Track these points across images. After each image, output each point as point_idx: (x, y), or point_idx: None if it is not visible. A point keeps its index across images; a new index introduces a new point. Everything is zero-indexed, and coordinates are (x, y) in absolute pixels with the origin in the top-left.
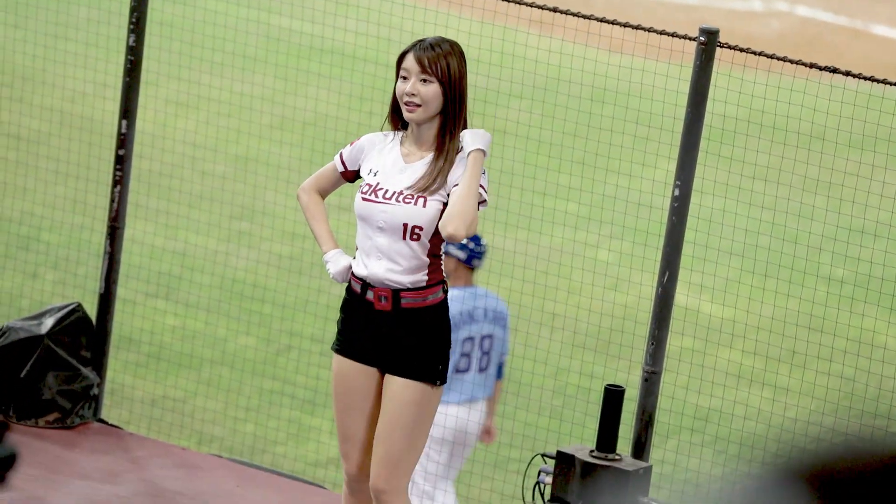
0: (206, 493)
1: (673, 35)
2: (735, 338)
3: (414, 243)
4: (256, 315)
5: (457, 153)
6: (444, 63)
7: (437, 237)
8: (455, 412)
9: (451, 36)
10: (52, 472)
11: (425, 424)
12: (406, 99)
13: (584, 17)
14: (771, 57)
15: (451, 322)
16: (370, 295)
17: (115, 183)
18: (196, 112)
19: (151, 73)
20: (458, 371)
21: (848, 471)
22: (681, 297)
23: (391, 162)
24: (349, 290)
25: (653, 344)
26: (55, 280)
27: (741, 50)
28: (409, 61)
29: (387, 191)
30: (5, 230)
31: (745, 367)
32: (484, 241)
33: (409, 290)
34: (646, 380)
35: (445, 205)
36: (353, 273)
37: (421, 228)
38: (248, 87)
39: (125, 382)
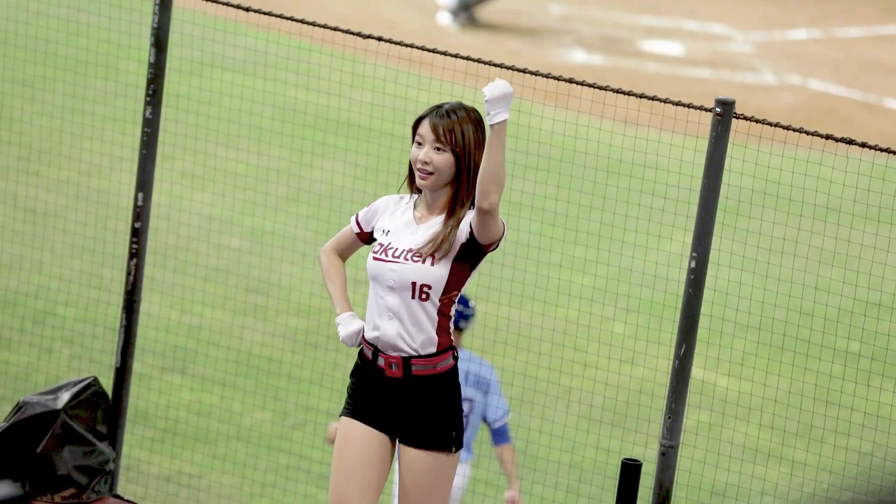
0: None
1: (689, 106)
2: (751, 412)
3: (424, 303)
4: (271, 389)
5: (466, 214)
6: (458, 132)
7: (446, 297)
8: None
9: None
10: None
11: (444, 491)
12: (419, 166)
13: (600, 88)
14: (787, 128)
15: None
16: (381, 361)
17: (132, 256)
18: (211, 185)
19: (167, 146)
20: None
21: None
22: (695, 370)
23: (404, 223)
24: (361, 355)
25: (669, 418)
26: (71, 355)
27: (757, 121)
28: (425, 128)
29: (396, 249)
30: (21, 305)
31: (760, 441)
32: (472, 303)
33: (420, 356)
34: (663, 454)
35: (455, 264)
36: (364, 338)
37: (430, 287)
38: (262, 160)
39: (140, 457)
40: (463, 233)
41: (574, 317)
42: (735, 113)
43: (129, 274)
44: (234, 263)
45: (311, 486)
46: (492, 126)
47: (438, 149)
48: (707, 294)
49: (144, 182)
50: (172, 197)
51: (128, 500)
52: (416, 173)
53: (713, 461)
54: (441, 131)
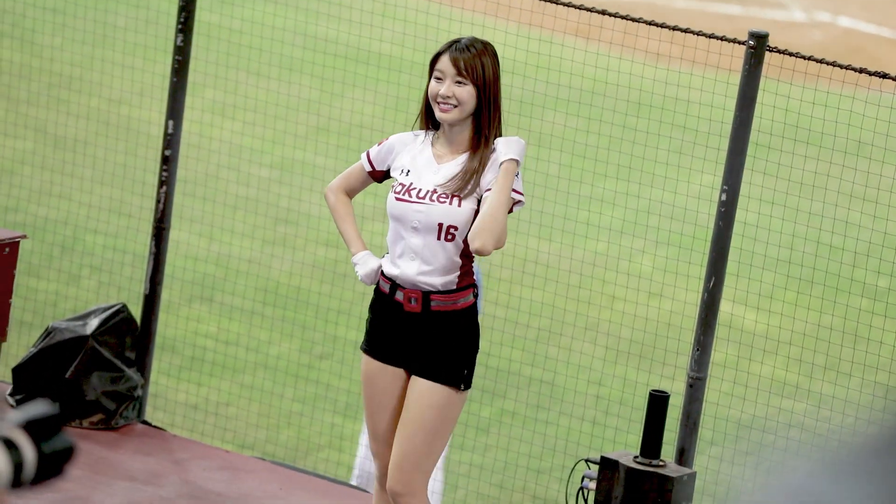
0: (249, 496)
1: (722, 39)
2: (779, 345)
3: (448, 244)
4: (298, 319)
5: (490, 154)
6: (479, 65)
7: None
8: None
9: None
10: (95, 473)
11: (446, 428)
12: (440, 100)
13: (632, 19)
14: (820, 62)
15: None
16: (399, 296)
17: (161, 184)
18: (241, 114)
19: (197, 75)
20: None
21: None
22: (723, 304)
23: (423, 162)
24: (377, 290)
25: (698, 350)
26: (99, 282)
27: (790, 54)
28: (444, 63)
29: (420, 190)
30: (50, 231)
31: (788, 375)
32: None
33: (439, 292)
34: (691, 385)
35: (480, 204)
36: (382, 273)
37: (456, 228)
38: (292, 90)
39: (168, 385)
40: (486, 182)
41: (602, 250)
42: (768, 46)
43: (158, 202)
44: (263, 193)
45: (338, 415)
46: (500, 164)
47: (459, 82)
48: (735, 228)
49: (175, 110)
50: (203, 125)
51: (155, 427)
52: (437, 108)
53: (740, 394)
54: (462, 65)
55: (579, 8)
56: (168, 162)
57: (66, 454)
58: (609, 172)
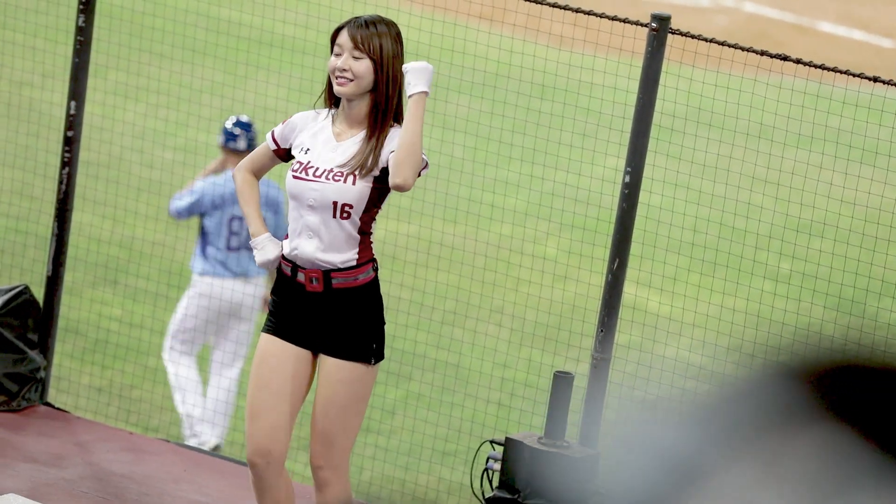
0: (154, 478)
1: (625, 21)
2: (683, 327)
3: (344, 221)
4: None
5: (389, 131)
6: (376, 42)
7: (367, 215)
8: (231, 285)
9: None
10: None
11: (361, 403)
12: (337, 74)
13: (537, 2)
14: (722, 44)
15: (217, 201)
16: (301, 277)
17: (64, 165)
18: (144, 97)
19: (100, 56)
20: (229, 249)
21: (853, 370)
22: (628, 287)
23: (323, 140)
24: (279, 273)
25: (602, 331)
26: (0, 266)
27: (692, 37)
28: (343, 37)
29: (317, 168)
30: None
31: (692, 357)
32: (253, 126)
33: (339, 269)
34: (595, 367)
35: (375, 182)
36: (283, 256)
37: (351, 206)
38: (193, 80)
39: (72, 368)
40: (384, 157)
41: (508, 233)
42: (671, 28)
43: (60, 183)
44: (168, 175)
45: (242, 397)
46: (410, 97)
47: (356, 57)
48: (639, 210)
49: (77, 91)
50: (106, 107)
51: (58, 409)
52: (334, 81)
53: (644, 375)
54: (360, 39)
55: None
56: (70, 143)
57: None
58: (515, 156)
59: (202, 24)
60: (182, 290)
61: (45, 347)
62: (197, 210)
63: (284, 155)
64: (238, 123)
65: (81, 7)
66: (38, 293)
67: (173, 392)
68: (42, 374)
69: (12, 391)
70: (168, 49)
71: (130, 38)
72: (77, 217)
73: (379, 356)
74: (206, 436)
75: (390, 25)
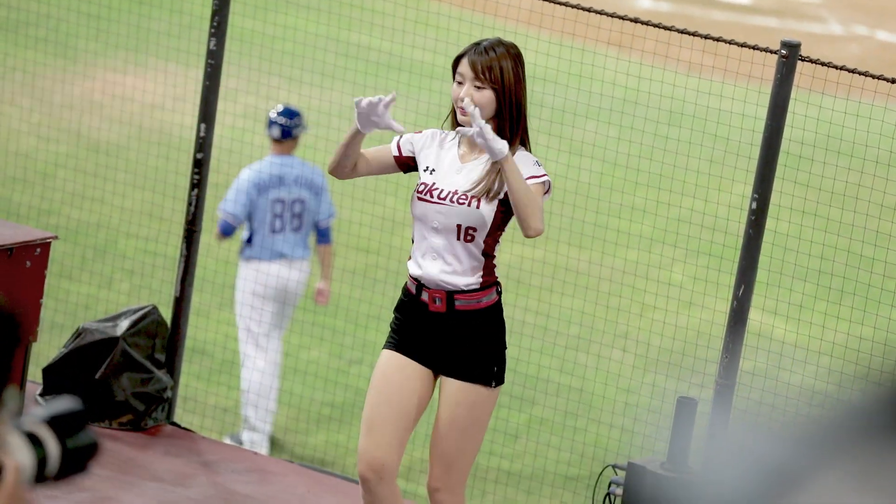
0: (278, 498)
1: (754, 48)
2: (808, 353)
3: (468, 244)
4: (328, 329)
5: (516, 152)
6: (497, 68)
7: (490, 238)
8: (276, 270)
9: (527, 56)
10: (123, 474)
11: (480, 426)
12: (459, 105)
13: (665, 28)
14: (852, 72)
15: (261, 184)
16: (425, 296)
17: (193, 186)
18: None
19: (230, 79)
20: (272, 231)
21: None
22: (754, 314)
23: (448, 162)
24: (405, 290)
25: (727, 357)
26: (131, 286)
27: (822, 64)
28: (464, 66)
29: (442, 191)
30: (83, 234)
31: (818, 384)
32: (299, 114)
33: (462, 292)
34: (719, 393)
35: (499, 206)
36: (409, 273)
37: (475, 230)
38: (322, 103)
39: (199, 388)
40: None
41: (634, 259)
42: (800, 55)
43: (189, 204)
44: None
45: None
46: (500, 159)
47: (478, 87)
48: (767, 237)
49: (207, 113)
50: (235, 130)
51: (184, 428)
52: (458, 110)
53: (770, 401)
54: (480, 68)
55: (615, 16)
56: (200, 165)
57: (90, 450)
58: (642, 181)
59: (332, 49)
60: (308, 311)
61: (173, 367)
62: (250, 204)
63: (401, 162)
64: (282, 112)
65: (213, 31)
66: (167, 313)
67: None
68: (169, 393)
69: (139, 410)
70: (298, 73)
71: (261, 62)
72: (205, 238)
73: (500, 380)
74: (253, 420)
75: (510, 48)
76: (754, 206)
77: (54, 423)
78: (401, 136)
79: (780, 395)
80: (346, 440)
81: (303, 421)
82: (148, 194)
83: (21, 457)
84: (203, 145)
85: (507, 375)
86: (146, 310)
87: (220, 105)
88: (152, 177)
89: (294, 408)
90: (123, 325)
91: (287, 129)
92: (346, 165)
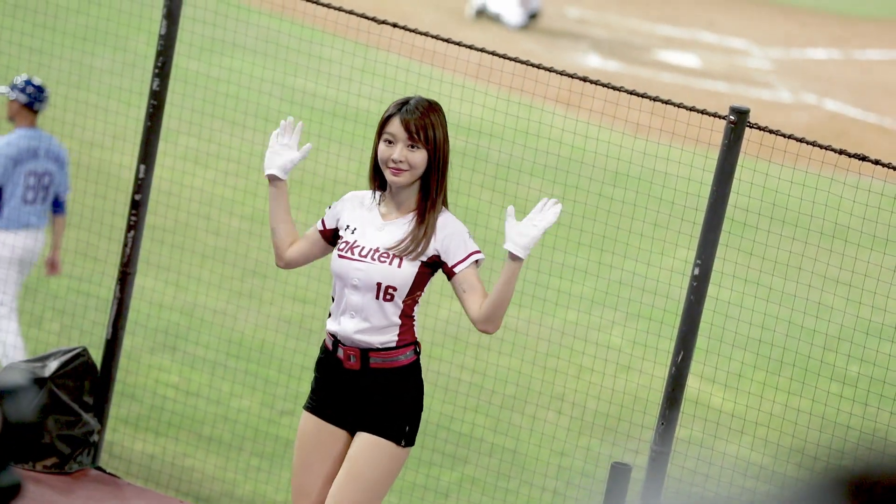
0: None
1: (703, 112)
2: (745, 424)
3: (387, 304)
4: (262, 374)
5: (438, 217)
6: (431, 131)
7: (409, 298)
8: (22, 240)
9: (473, 110)
10: None
11: (384, 484)
12: (391, 165)
13: (614, 88)
14: (800, 141)
15: (17, 158)
16: (340, 353)
17: (129, 228)
18: (215, 163)
19: (172, 121)
20: (24, 202)
21: (889, 481)
22: (692, 381)
23: (370, 219)
24: (323, 347)
25: (662, 424)
26: (61, 326)
27: (770, 132)
28: (395, 126)
29: (363, 248)
30: None
31: (753, 455)
32: (47, 89)
33: (378, 350)
34: (654, 459)
35: (421, 267)
36: (327, 330)
37: (395, 289)
38: (264, 148)
39: (126, 433)
40: (433, 247)
41: (574, 319)
42: (749, 122)
43: (125, 246)
44: (234, 244)
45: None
46: (511, 257)
47: (412, 146)
48: (708, 304)
49: (147, 154)
50: (175, 172)
51: (110, 474)
52: (387, 171)
53: (704, 471)
54: (414, 128)
55: (563, 74)
56: (138, 207)
57: (13, 491)
58: (585, 241)
59: (276, 94)
60: (241, 359)
61: (101, 411)
62: (4, 175)
63: (330, 237)
64: (30, 83)
65: (157, 71)
66: (97, 355)
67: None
68: (95, 437)
69: (65, 453)
70: (241, 116)
71: (204, 104)
72: (140, 281)
73: (410, 440)
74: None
75: (439, 110)
76: (697, 272)
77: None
78: (327, 210)
79: (715, 464)
80: (274, 491)
81: (230, 471)
82: (83, 233)
83: None
84: (142, 186)
85: (439, 432)
86: (76, 351)
87: (161, 146)
88: (88, 216)
89: (222, 456)
90: (52, 366)
91: (38, 101)
92: (282, 242)
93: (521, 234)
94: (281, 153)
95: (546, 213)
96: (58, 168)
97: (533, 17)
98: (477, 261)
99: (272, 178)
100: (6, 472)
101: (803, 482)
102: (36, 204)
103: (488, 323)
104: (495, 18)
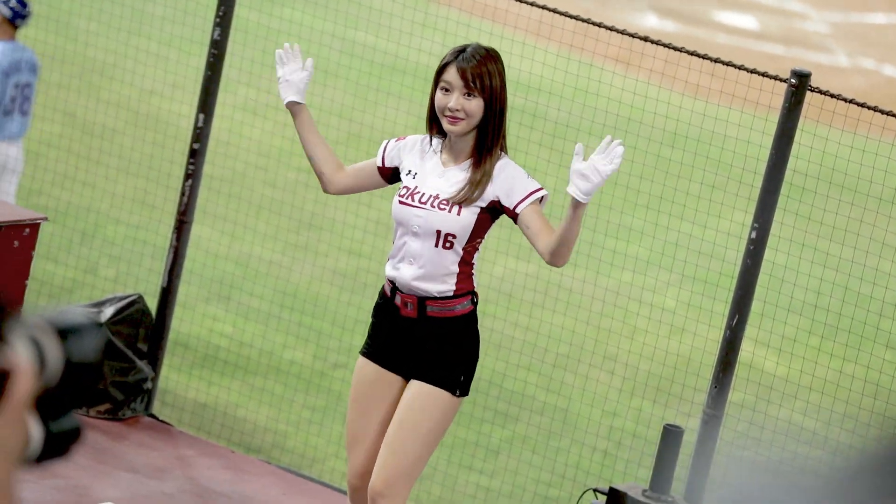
0: (252, 499)
1: (764, 75)
2: (799, 389)
3: (446, 251)
4: (314, 330)
5: (496, 163)
6: (487, 76)
7: (469, 245)
8: (6, 149)
9: (531, 67)
10: (99, 463)
11: (434, 433)
12: (448, 112)
13: (675, 48)
14: (861, 105)
15: (8, 70)
16: (398, 300)
17: (187, 177)
18: (273, 114)
19: (229, 79)
20: (6, 113)
21: None
22: (743, 350)
23: (430, 166)
24: (381, 293)
25: (716, 387)
26: (117, 273)
27: (832, 96)
28: (452, 74)
29: (423, 194)
30: (72, 217)
31: (807, 421)
32: (31, 5)
33: (435, 298)
34: (706, 422)
35: (481, 213)
36: (386, 274)
37: (454, 236)
38: (322, 101)
39: (179, 381)
40: (491, 192)
41: (628, 280)
42: (810, 86)
43: (182, 195)
44: (290, 195)
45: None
46: (575, 203)
47: (468, 94)
48: (763, 268)
49: (207, 104)
50: (233, 122)
51: (162, 421)
52: (444, 119)
53: (756, 435)
54: (470, 76)
55: (623, 33)
56: (196, 155)
57: (74, 435)
58: (640, 202)
59: (336, 46)
60: (294, 310)
61: (154, 359)
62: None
63: (389, 174)
64: (27, 6)
65: (218, 20)
66: (152, 303)
67: None
68: (149, 385)
69: (118, 400)
70: None
71: (263, 55)
72: (195, 230)
73: (465, 390)
74: None
75: (497, 58)
76: (753, 235)
77: (62, 333)
78: (385, 148)
79: (768, 428)
80: (325, 444)
81: (282, 422)
82: (140, 181)
83: (27, 361)
84: (200, 136)
85: (491, 389)
86: (131, 298)
87: (219, 96)
88: (145, 164)
89: (274, 408)
90: (108, 312)
91: (22, 16)
92: (323, 165)
93: (583, 177)
94: (290, 79)
95: (610, 156)
96: (36, 78)
97: None
98: (541, 198)
99: (292, 106)
100: (67, 416)
101: (861, 451)
102: (16, 114)
103: (556, 257)
104: None
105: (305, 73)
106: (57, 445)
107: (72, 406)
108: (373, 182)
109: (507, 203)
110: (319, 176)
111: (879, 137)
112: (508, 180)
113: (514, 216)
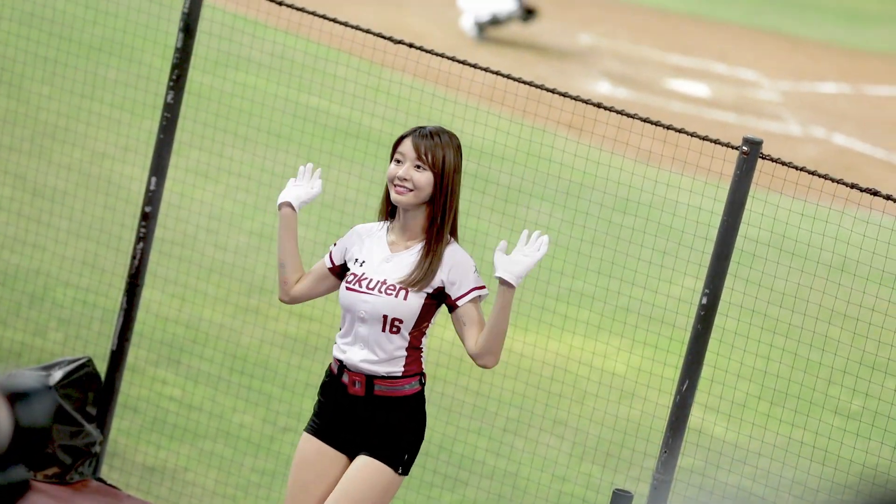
0: None
1: (715, 142)
2: (747, 456)
3: (394, 335)
4: (264, 391)
5: (445, 248)
6: (440, 154)
7: (416, 330)
8: None
9: (483, 132)
10: None
11: None
12: (397, 182)
13: (627, 115)
14: (812, 173)
15: None
16: (345, 378)
17: (139, 240)
18: (225, 178)
19: (181, 143)
20: None
21: None
22: (692, 416)
23: (378, 252)
24: (328, 371)
25: (665, 452)
26: (66, 336)
27: (783, 163)
28: (406, 146)
29: (370, 280)
30: (21, 280)
31: (755, 486)
32: None
33: (383, 378)
34: (655, 488)
35: (427, 299)
36: (333, 355)
37: (401, 321)
38: (273, 165)
39: (127, 445)
40: (438, 278)
41: (578, 345)
42: (762, 153)
43: (133, 257)
44: (241, 259)
45: None
46: (503, 285)
47: (418, 167)
48: (713, 334)
49: (159, 167)
50: (185, 186)
51: (110, 485)
52: (393, 190)
53: (705, 501)
54: (423, 150)
55: (575, 99)
56: (147, 218)
57: (22, 487)
58: (592, 267)
59: (288, 110)
60: (244, 374)
61: (103, 422)
62: None
63: (339, 272)
64: None
65: (171, 84)
66: (101, 367)
67: None
68: (97, 448)
69: (66, 463)
70: (252, 132)
71: (216, 119)
72: (145, 293)
73: (406, 470)
74: None
75: (452, 137)
76: (705, 301)
77: (12, 398)
78: (331, 251)
79: (716, 494)
80: None
81: (230, 486)
82: (90, 244)
83: None
84: (152, 198)
85: (441, 454)
86: (81, 361)
87: (171, 159)
88: (96, 226)
89: (223, 471)
90: (57, 375)
91: None
92: (289, 278)
93: (513, 262)
94: (298, 186)
95: (534, 245)
96: None
97: (529, 12)
98: (480, 296)
99: (285, 208)
100: (15, 468)
101: None
102: None
103: (486, 356)
104: (494, 21)
105: (314, 190)
106: (2, 498)
107: (19, 462)
108: (325, 285)
109: (451, 292)
110: (283, 283)
111: (830, 205)
112: (457, 270)
113: (452, 307)
